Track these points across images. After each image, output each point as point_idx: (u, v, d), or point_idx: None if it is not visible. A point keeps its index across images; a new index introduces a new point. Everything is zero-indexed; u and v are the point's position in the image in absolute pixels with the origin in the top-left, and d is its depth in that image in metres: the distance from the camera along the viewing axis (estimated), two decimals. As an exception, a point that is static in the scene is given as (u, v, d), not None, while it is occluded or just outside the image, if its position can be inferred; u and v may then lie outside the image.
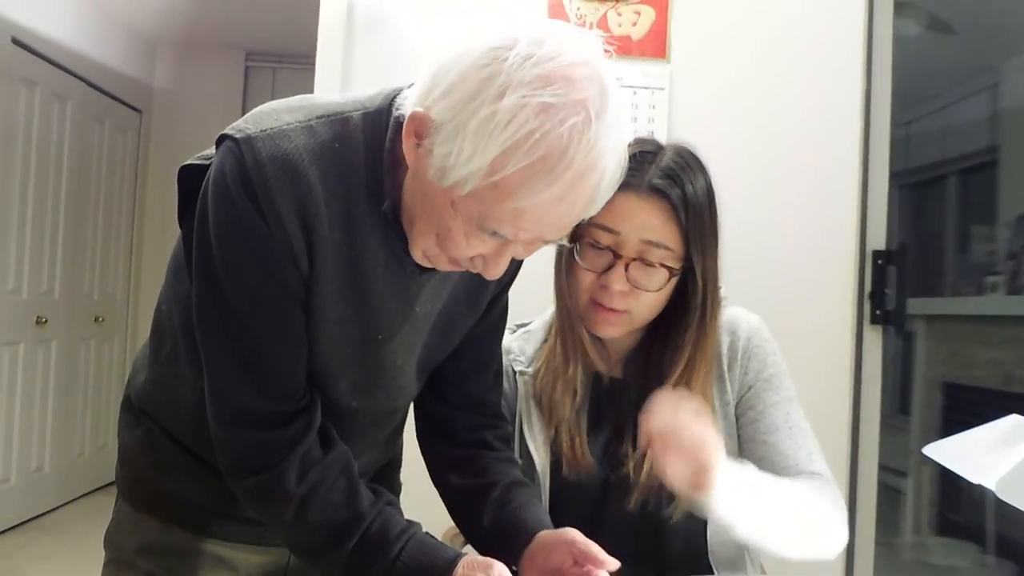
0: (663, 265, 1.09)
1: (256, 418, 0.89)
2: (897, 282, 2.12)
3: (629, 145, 1.11)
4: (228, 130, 0.86)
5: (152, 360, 1.04)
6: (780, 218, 2.06)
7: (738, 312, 1.22)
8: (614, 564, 0.88)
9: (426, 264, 0.90)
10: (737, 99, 2.16)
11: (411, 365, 1.01)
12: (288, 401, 0.91)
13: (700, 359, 1.14)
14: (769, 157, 2.10)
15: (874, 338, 2.12)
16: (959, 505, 3.44)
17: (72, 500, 4.46)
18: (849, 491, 2.06)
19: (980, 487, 0.85)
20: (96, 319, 4.60)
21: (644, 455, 1.14)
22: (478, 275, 0.92)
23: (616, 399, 1.20)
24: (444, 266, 0.88)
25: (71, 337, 4.36)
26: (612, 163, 0.78)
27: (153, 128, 5.07)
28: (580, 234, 1.10)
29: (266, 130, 0.84)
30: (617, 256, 1.09)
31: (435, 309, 0.99)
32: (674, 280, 1.11)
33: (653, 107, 2.15)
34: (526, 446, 1.18)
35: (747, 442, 1.19)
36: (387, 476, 1.18)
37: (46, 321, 4.08)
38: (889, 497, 2.89)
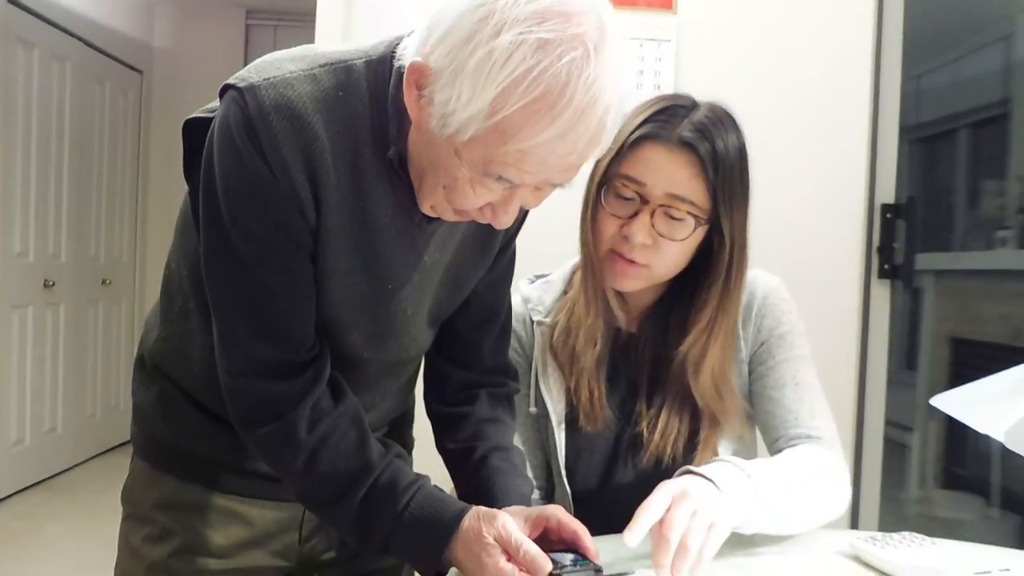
0: (690, 214, 1.08)
1: (265, 368, 0.89)
2: (906, 236, 2.10)
3: (663, 99, 1.11)
4: (231, 80, 0.85)
5: (163, 318, 1.05)
6: (789, 171, 2.04)
7: (759, 273, 1.21)
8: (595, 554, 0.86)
9: (434, 215, 0.89)
10: (745, 51, 2.12)
11: (422, 315, 1.01)
12: (298, 351, 0.90)
13: (722, 319, 1.14)
14: (778, 110, 2.07)
15: (882, 293, 2.11)
16: (964, 459, 3.45)
17: (86, 460, 4.53)
18: (855, 445, 2.07)
19: (986, 441, 0.85)
20: (104, 281, 4.62)
21: (659, 413, 1.16)
22: (486, 224, 0.92)
23: (632, 355, 1.20)
24: (452, 217, 0.88)
25: (79, 300, 4.38)
26: (614, 99, 0.76)
27: (155, 89, 5.04)
28: (607, 181, 1.10)
29: (269, 79, 0.83)
30: (644, 203, 1.08)
31: (444, 259, 0.99)
32: (699, 234, 1.10)
33: (659, 59, 2.12)
34: (541, 396, 1.19)
35: (755, 397, 1.20)
36: (400, 430, 1.18)
37: (54, 284, 4.10)
38: (895, 452, 2.90)
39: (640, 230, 1.08)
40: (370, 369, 1.01)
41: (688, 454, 1.16)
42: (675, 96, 1.13)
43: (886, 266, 2.10)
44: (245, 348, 0.90)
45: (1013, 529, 3.08)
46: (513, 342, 1.21)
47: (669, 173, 1.07)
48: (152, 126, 5.02)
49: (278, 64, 0.86)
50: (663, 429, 1.15)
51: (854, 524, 2.00)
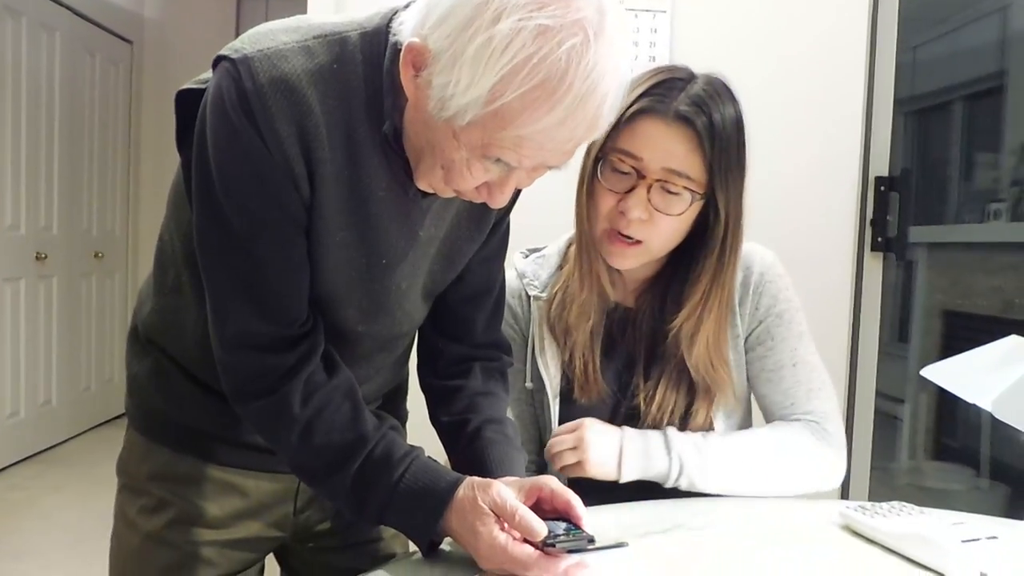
0: (687, 189, 1.08)
1: (258, 341, 0.89)
2: (899, 209, 2.11)
3: (660, 71, 1.11)
4: (224, 51, 0.84)
5: (156, 290, 1.04)
6: (783, 143, 2.04)
7: (753, 247, 1.21)
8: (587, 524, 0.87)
9: (430, 191, 0.89)
10: (741, 21, 2.11)
11: (416, 290, 1.01)
12: (291, 325, 0.91)
13: (716, 292, 1.14)
14: (773, 82, 2.07)
15: (874, 265, 2.12)
16: (955, 430, 3.49)
17: (81, 433, 4.54)
18: (846, 417, 2.08)
19: (976, 412, 0.86)
20: (96, 255, 4.60)
21: (656, 386, 1.17)
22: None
23: (628, 329, 1.21)
24: (448, 195, 0.88)
25: (72, 273, 4.37)
26: (614, 85, 0.76)
27: (145, 59, 4.99)
28: (604, 156, 1.10)
29: (263, 50, 0.82)
30: (640, 177, 1.08)
31: (439, 234, 0.99)
32: (695, 209, 1.10)
33: (655, 31, 2.11)
34: (538, 371, 1.20)
35: (754, 379, 1.21)
36: (394, 402, 1.18)
37: (46, 257, 4.08)
38: (886, 423, 2.92)
39: (636, 204, 1.08)
40: (364, 343, 1.01)
41: (683, 426, 1.17)
42: (672, 68, 1.13)
43: (879, 239, 2.11)
44: (239, 322, 0.89)
45: (1002, 499, 3.12)
46: (508, 317, 1.21)
47: (666, 147, 1.07)
48: (143, 97, 4.98)
49: (272, 35, 0.85)
50: (660, 402, 1.16)
51: (844, 494, 2.03)
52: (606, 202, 1.11)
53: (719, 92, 1.10)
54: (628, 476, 1.10)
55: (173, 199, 1.00)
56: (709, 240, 1.13)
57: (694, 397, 1.17)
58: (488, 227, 1.05)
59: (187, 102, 0.91)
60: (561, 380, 1.19)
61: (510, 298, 1.23)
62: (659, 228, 1.10)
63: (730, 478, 1.11)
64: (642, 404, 1.17)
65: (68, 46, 4.24)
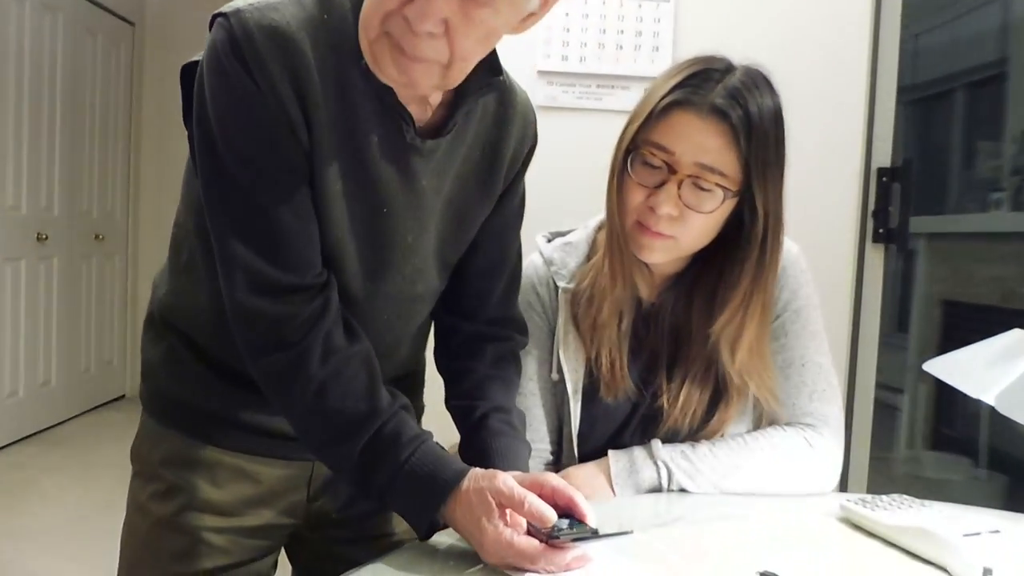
0: (719, 186, 1.03)
1: (269, 287, 0.89)
2: (901, 200, 2.11)
3: (696, 62, 1.08)
4: (220, 8, 0.86)
5: (171, 272, 1.06)
6: (787, 134, 2.03)
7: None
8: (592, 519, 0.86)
9: (394, 82, 0.86)
10: (744, 11, 2.11)
11: (426, 249, 1.00)
12: (303, 273, 0.90)
13: (757, 295, 1.10)
14: (776, 72, 2.05)
15: (876, 257, 2.13)
16: (954, 420, 3.50)
17: (80, 414, 4.56)
18: (846, 408, 2.09)
19: (975, 403, 0.86)
20: (96, 236, 4.60)
21: (680, 387, 1.14)
22: (486, 153, 0.93)
23: (652, 326, 1.18)
24: (404, 72, 0.83)
25: (72, 254, 4.37)
26: None
27: (147, 41, 4.97)
28: (635, 148, 1.07)
29: (254, 4, 0.85)
30: (671, 172, 1.04)
31: (443, 188, 0.98)
32: (728, 206, 1.06)
33: (658, 20, 2.10)
34: (560, 363, 1.17)
35: None
36: (410, 393, 1.14)
37: (47, 238, 4.08)
38: (885, 413, 2.93)
39: (667, 200, 1.04)
40: (376, 305, 1.00)
41: (702, 427, 1.15)
42: (709, 59, 1.08)
43: (880, 230, 2.11)
44: (248, 272, 0.89)
45: (1000, 489, 3.13)
46: (536, 303, 1.19)
47: (699, 142, 1.03)
48: (144, 79, 4.96)
49: None
50: (683, 403, 1.13)
51: (843, 485, 2.04)
52: (635, 196, 1.07)
53: (757, 84, 1.06)
54: (621, 491, 1.09)
55: (185, 179, 1.01)
56: (747, 241, 1.08)
57: (717, 398, 1.14)
58: (497, 188, 1.04)
59: (192, 76, 0.91)
60: (585, 376, 1.17)
61: (537, 285, 1.20)
62: (690, 225, 1.06)
63: (719, 483, 1.11)
64: (666, 404, 1.14)
65: (70, 27, 4.22)
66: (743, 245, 1.09)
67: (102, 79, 4.57)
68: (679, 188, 1.04)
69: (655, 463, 1.10)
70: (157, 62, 4.94)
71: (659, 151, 1.05)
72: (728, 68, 1.07)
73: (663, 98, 1.05)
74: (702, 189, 1.04)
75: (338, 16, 0.87)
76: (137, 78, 4.93)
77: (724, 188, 1.04)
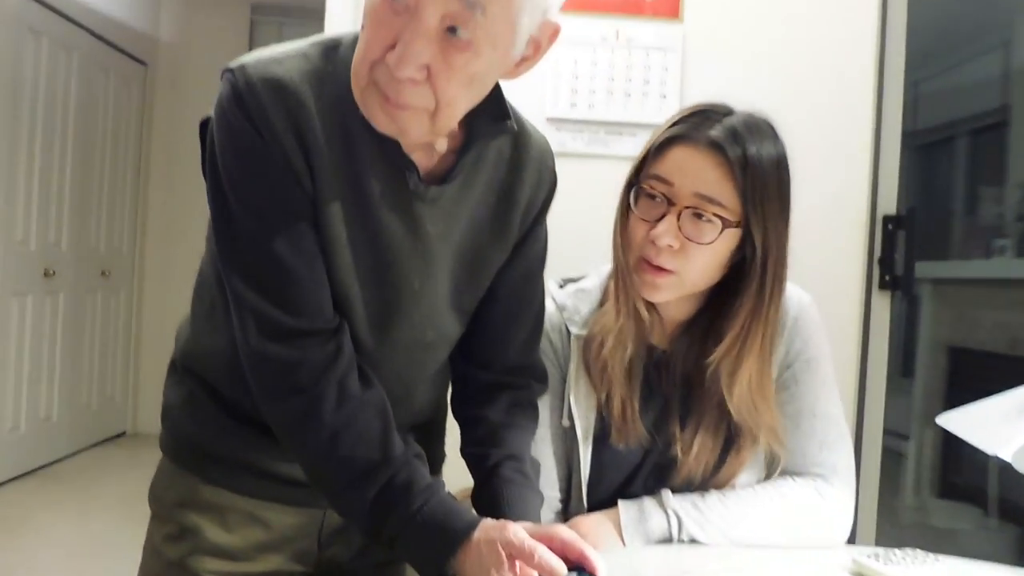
0: (717, 216, 1.05)
1: (280, 333, 0.90)
2: (906, 248, 2.12)
3: (698, 106, 1.11)
4: (228, 64, 0.89)
5: (193, 318, 1.07)
6: (792, 182, 2.05)
7: (791, 289, 1.18)
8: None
9: (386, 128, 0.86)
10: (750, 61, 2.14)
11: (435, 295, 1.00)
12: (313, 318, 0.91)
13: (756, 328, 1.10)
14: (782, 120, 2.07)
15: (882, 303, 2.13)
16: (961, 468, 3.47)
17: (80, 450, 4.53)
18: (853, 455, 2.08)
19: (983, 451, 0.86)
20: (103, 272, 4.62)
21: (694, 436, 1.14)
22: (500, 198, 0.95)
23: (664, 373, 1.17)
24: (391, 124, 0.85)
25: (78, 289, 4.38)
26: None
27: (158, 81, 5.03)
28: (637, 183, 1.09)
29: (260, 58, 0.88)
30: (671, 204, 1.06)
31: (452, 235, 0.99)
32: (728, 240, 1.07)
33: (666, 69, 2.13)
34: (570, 409, 1.17)
35: None
36: (430, 441, 1.16)
37: (54, 273, 4.10)
38: (891, 460, 2.92)
39: (666, 231, 1.05)
40: (387, 353, 1.00)
41: (714, 476, 1.14)
42: (712, 104, 1.11)
43: (887, 277, 2.12)
44: (259, 318, 0.90)
45: (1011, 540, 3.10)
46: (548, 351, 1.19)
47: (696, 173, 1.05)
48: (155, 118, 5.01)
49: (272, 48, 0.91)
50: (697, 452, 1.13)
51: (852, 534, 2.02)
52: (638, 231, 1.09)
53: (759, 128, 1.08)
54: (631, 541, 1.08)
55: (208, 232, 1.02)
56: (747, 274, 1.09)
57: (729, 444, 1.14)
58: (512, 234, 1.05)
59: (210, 128, 0.93)
60: (596, 422, 1.16)
61: (550, 331, 1.20)
62: (691, 258, 1.07)
63: (729, 533, 1.10)
64: (680, 454, 1.13)
65: (85, 66, 4.29)
66: (743, 278, 1.10)
67: (113, 117, 4.63)
68: (679, 219, 1.06)
69: (665, 512, 1.09)
70: (167, 102, 5.00)
71: (659, 183, 1.07)
72: (728, 112, 1.10)
73: (662, 134, 1.09)
74: (701, 219, 1.05)
75: (342, 67, 0.89)
76: (147, 117, 4.98)
77: (723, 219, 1.05)
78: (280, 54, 0.89)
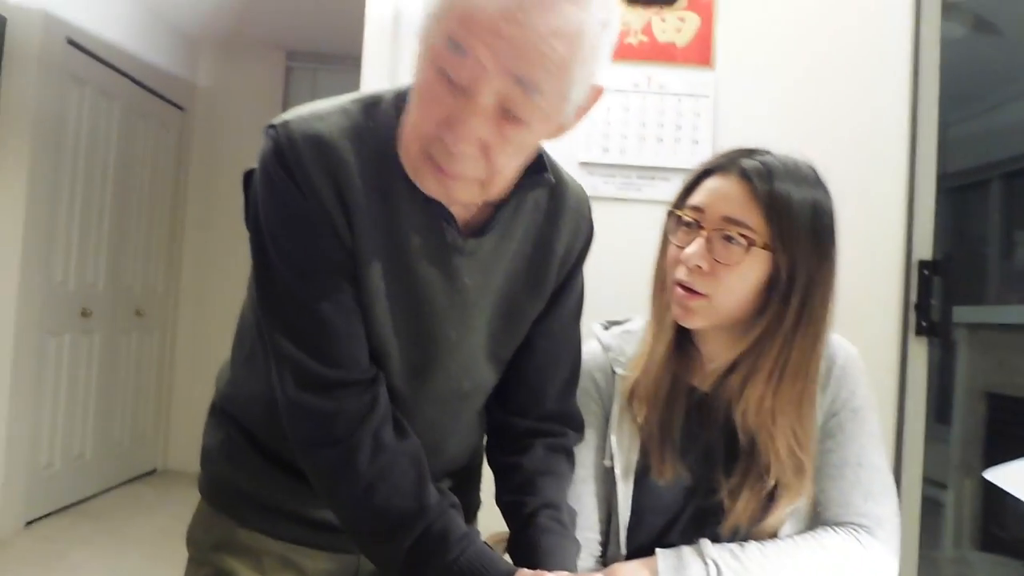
0: (742, 235, 1.06)
1: (318, 384, 0.91)
2: (942, 293, 2.10)
3: (740, 147, 1.13)
4: (271, 121, 0.91)
5: (233, 363, 1.09)
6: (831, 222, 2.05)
7: (839, 340, 1.19)
8: None
9: (435, 192, 0.89)
10: (783, 107, 2.15)
11: (472, 345, 1.02)
12: (350, 371, 0.92)
13: (792, 359, 1.09)
14: (815, 166, 2.08)
15: (919, 350, 2.10)
16: (1003, 519, 3.38)
17: (112, 488, 4.56)
18: (898, 508, 2.04)
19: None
20: (137, 312, 4.69)
21: (742, 483, 1.12)
22: (537, 249, 0.96)
23: (706, 416, 1.17)
24: (441, 179, 0.86)
25: (113, 329, 4.45)
26: (576, 14, 0.79)
27: (195, 126, 5.15)
28: (674, 214, 1.13)
29: (301, 115, 0.91)
30: (700, 228, 1.09)
31: (490, 284, 1.00)
32: (757, 261, 1.07)
33: (698, 115, 2.15)
34: (611, 449, 1.17)
35: (818, 471, 1.16)
36: (466, 487, 1.17)
37: (91, 313, 4.16)
38: (929, 509, 2.85)
39: (695, 252, 1.08)
40: (422, 402, 1.02)
41: (756, 524, 1.13)
42: (757, 147, 1.14)
43: (923, 323, 2.09)
44: (298, 368, 0.92)
45: (1054, 595, 3.00)
46: (592, 390, 1.20)
47: (724, 196, 1.09)
48: (191, 162, 5.12)
49: (314, 104, 0.93)
50: (742, 500, 1.12)
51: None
52: (672, 257, 1.13)
53: (797, 171, 1.10)
54: None
55: (249, 278, 1.05)
56: (779, 304, 1.08)
57: (773, 497, 1.12)
58: (549, 285, 1.06)
59: (252, 179, 0.96)
60: (638, 460, 1.16)
61: (595, 371, 1.21)
62: (721, 280, 1.08)
63: None
64: (726, 501, 1.12)
65: (125, 112, 4.40)
66: (777, 315, 1.09)
67: (151, 161, 4.73)
68: (708, 242, 1.08)
69: (704, 561, 1.08)
70: (203, 146, 5.11)
71: (691, 211, 1.11)
72: (767, 152, 1.13)
73: (700, 167, 1.14)
74: (729, 241, 1.07)
75: (382, 123, 0.91)
76: (184, 160, 5.09)
77: (748, 240, 1.06)
78: (322, 110, 0.91)
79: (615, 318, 1.30)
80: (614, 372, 1.20)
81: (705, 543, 1.10)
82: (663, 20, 2.17)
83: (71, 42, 3.84)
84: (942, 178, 2.20)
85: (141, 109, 4.59)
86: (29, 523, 3.80)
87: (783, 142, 2.07)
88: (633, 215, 2.12)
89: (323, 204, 0.88)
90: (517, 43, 0.77)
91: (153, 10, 4.58)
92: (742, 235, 1.06)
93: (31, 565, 3.37)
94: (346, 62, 4.08)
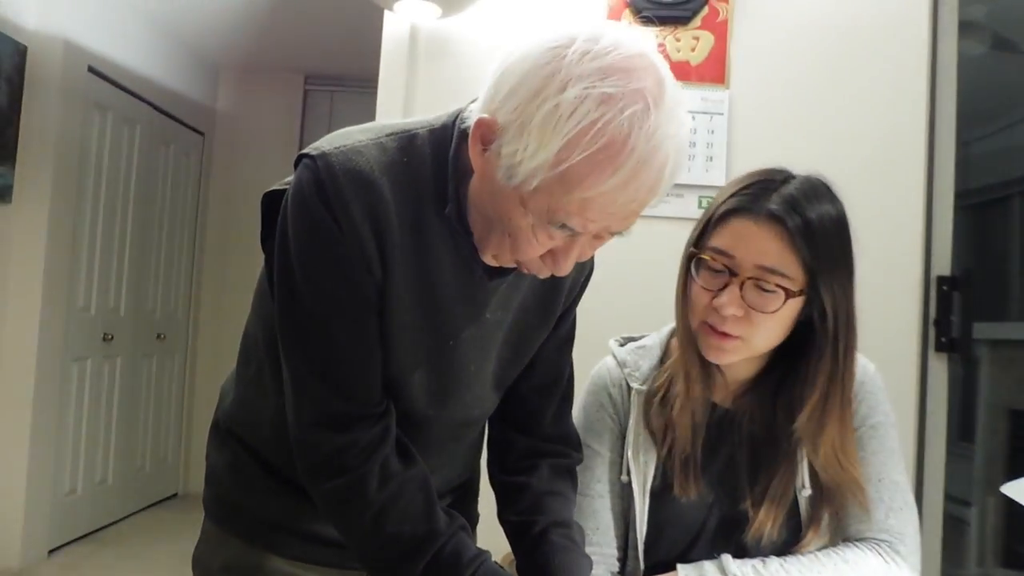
0: (780, 287, 1.04)
1: (334, 420, 0.92)
2: (962, 309, 2.09)
3: (755, 174, 1.11)
4: (306, 149, 0.91)
5: (238, 382, 1.10)
6: (852, 238, 2.05)
7: (857, 356, 1.18)
8: None
9: (494, 264, 0.92)
10: (797, 124, 2.15)
11: (485, 375, 1.03)
12: (365, 405, 0.93)
13: (835, 392, 1.09)
14: (832, 182, 2.08)
15: (939, 366, 2.09)
16: (1027, 536, 3.33)
17: (133, 513, 4.58)
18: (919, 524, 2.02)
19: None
20: (159, 336, 4.73)
21: (765, 492, 1.13)
22: (548, 285, 0.95)
23: (728, 431, 1.17)
24: (512, 264, 0.91)
25: (135, 353, 4.49)
26: (673, 149, 0.80)
27: (215, 150, 5.21)
28: (698, 254, 1.10)
29: (339, 147, 0.89)
30: (733, 275, 1.06)
31: (506, 318, 1.01)
32: (793, 306, 1.07)
33: (712, 132, 2.16)
34: (628, 463, 1.17)
35: None
36: (464, 502, 1.19)
37: (112, 338, 4.20)
38: (952, 527, 2.81)
39: (730, 303, 1.05)
40: (434, 429, 1.03)
41: (791, 536, 1.13)
42: (769, 171, 1.12)
43: (943, 339, 2.08)
44: (314, 400, 0.92)
45: (1081, 614, 2.95)
46: (607, 406, 1.20)
47: (758, 245, 1.05)
48: (211, 186, 5.18)
49: (348, 135, 0.92)
50: (769, 508, 1.12)
51: (914, 604, 1.95)
52: (701, 299, 1.09)
53: (817, 192, 1.08)
54: None
55: (258, 294, 1.05)
56: (820, 340, 1.09)
57: (798, 514, 1.13)
58: (556, 314, 1.08)
59: (272, 202, 0.97)
60: (656, 477, 1.16)
61: (610, 386, 1.21)
62: (756, 325, 1.07)
63: None
64: (750, 510, 1.12)
65: (146, 138, 4.46)
66: (816, 345, 1.09)
67: (172, 185, 4.79)
68: (741, 289, 1.06)
69: (724, 575, 1.08)
70: (224, 169, 5.17)
71: (720, 255, 1.07)
72: (786, 178, 1.10)
73: (721, 205, 1.09)
74: (764, 291, 1.05)
75: (418, 160, 0.91)
76: (204, 184, 5.15)
77: (786, 289, 1.05)
78: (359, 144, 0.90)
79: (630, 334, 1.30)
80: (629, 388, 1.20)
81: (727, 559, 1.10)
82: (677, 39, 2.19)
83: (92, 70, 3.91)
84: (963, 195, 2.20)
85: (162, 135, 4.65)
86: (52, 551, 3.82)
87: (799, 160, 2.07)
88: (649, 232, 2.12)
89: (360, 240, 0.87)
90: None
91: (173, 37, 4.66)
92: (779, 285, 1.05)
93: (54, 591, 3.39)
94: (363, 84, 4.12)
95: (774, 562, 1.10)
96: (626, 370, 1.22)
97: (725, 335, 1.08)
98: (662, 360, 1.21)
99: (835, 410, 1.10)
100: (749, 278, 1.05)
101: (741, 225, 1.07)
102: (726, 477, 1.16)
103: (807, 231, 1.04)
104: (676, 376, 1.15)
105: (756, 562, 1.10)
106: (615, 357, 1.24)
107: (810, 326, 1.10)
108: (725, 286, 1.07)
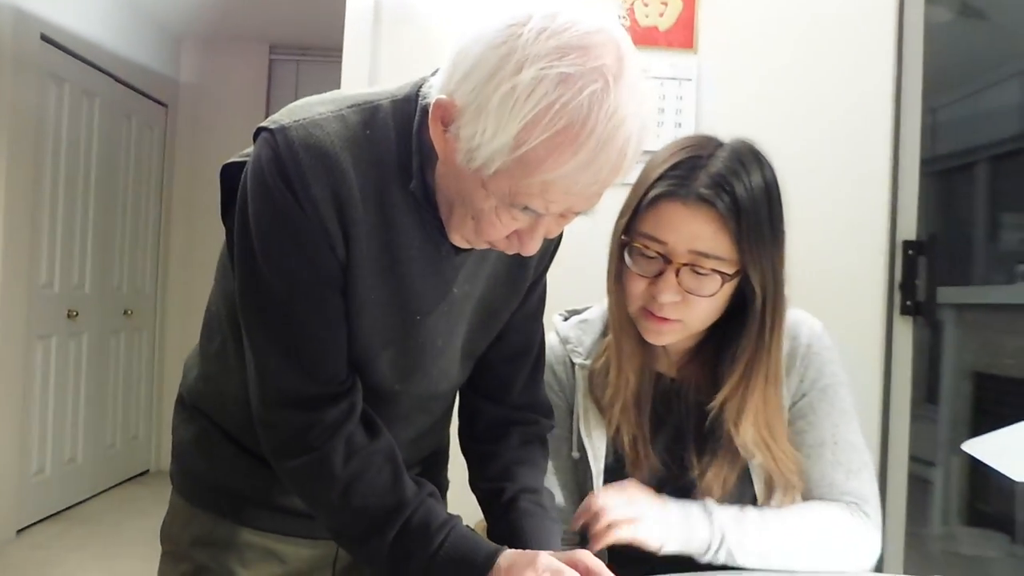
0: (715, 271, 1.04)
1: (298, 399, 0.91)
2: (927, 273, 2.11)
3: (682, 148, 1.08)
4: (264, 123, 0.88)
5: (202, 357, 1.08)
6: (811, 209, 2.04)
7: (801, 316, 1.18)
8: None
9: (464, 246, 0.91)
10: (766, 89, 2.15)
11: (453, 349, 1.02)
12: (330, 383, 0.92)
13: (759, 369, 1.10)
14: (799, 148, 2.09)
15: (904, 329, 2.11)
16: (989, 495, 3.41)
17: (104, 491, 4.55)
18: (879, 482, 2.05)
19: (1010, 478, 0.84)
20: (125, 312, 4.66)
21: (712, 460, 1.13)
22: (517, 257, 0.93)
23: (674, 401, 1.18)
24: (481, 246, 0.90)
25: (102, 330, 4.43)
26: (635, 128, 0.78)
27: (179, 122, 5.12)
28: (630, 240, 1.08)
29: (299, 120, 0.86)
30: (667, 262, 1.05)
31: (474, 292, 1.00)
32: (729, 286, 1.07)
33: (681, 98, 2.15)
34: (582, 440, 1.17)
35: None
36: (434, 470, 1.18)
37: (77, 315, 4.14)
38: (917, 488, 2.87)
39: (666, 289, 1.05)
40: (401, 402, 1.02)
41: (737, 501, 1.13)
42: (695, 144, 1.09)
43: (908, 303, 2.10)
44: (278, 379, 0.91)
45: (1041, 568, 3.04)
46: (552, 383, 1.20)
47: (690, 230, 1.04)
48: (176, 159, 5.09)
49: (308, 107, 0.89)
50: (715, 475, 1.12)
51: (879, 564, 1.98)
52: (637, 286, 1.09)
53: (744, 163, 1.06)
54: (669, 548, 1.07)
55: (219, 269, 1.03)
56: (748, 317, 1.09)
57: (750, 475, 1.14)
58: (525, 286, 1.07)
59: (231, 175, 0.94)
60: (608, 454, 1.16)
61: (554, 364, 1.21)
62: (694, 307, 1.07)
63: (766, 553, 1.08)
64: (698, 479, 1.13)
65: (107, 110, 4.37)
66: (745, 319, 1.10)
67: (135, 159, 4.70)
68: (677, 275, 1.05)
69: (711, 527, 1.07)
70: (188, 142, 5.08)
71: (652, 242, 1.06)
72: (712, 152, 1.07)
73: (649, 189, 1.07)
74: (700, 274, 1.05)
75: (381, 134, 0.89)
76: (168, 157, 5.06)
77: (721, 272, 1.05)
78: (319, 116, 0.87)
79: (584, 304, 1.29)
80: (573, 363, 1.20)
81: (711, 504, 1.09)
82: (646, 4, 2.16)
83: (45, 38, 3.79)
84: (930, 161, 2.21)
85: (123, 107, 4.56)
86: (20, 531, 3.78)
87: (767, 125, 2.07)
88: (617, 201, 2.12)
89: (321, 217, 0.85)
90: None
91: (132, 6, 4.55)
92: (714, 269, 1.04)
93: (25, 574, 3.35)
94: (328, 53, 4.06)
95: (751, 511, 1.11)
96: (568, 346, 1.21)
97: (664, 319, 1.08)
98: (605, 333, 1.21)
99: (758, 386, 1.10)
100: (684, 264, 1.05)
101: (671, 209, 1.05)
102: (674, 448, 1.16)
103: (737, 208, 1.03)
104: (613, 351, 1.15)
105: (734, 509, 1.10)
106: (558, 334, 1.23)
107: (744, 296, 1.10)
108: (660, 273, 1.06)
